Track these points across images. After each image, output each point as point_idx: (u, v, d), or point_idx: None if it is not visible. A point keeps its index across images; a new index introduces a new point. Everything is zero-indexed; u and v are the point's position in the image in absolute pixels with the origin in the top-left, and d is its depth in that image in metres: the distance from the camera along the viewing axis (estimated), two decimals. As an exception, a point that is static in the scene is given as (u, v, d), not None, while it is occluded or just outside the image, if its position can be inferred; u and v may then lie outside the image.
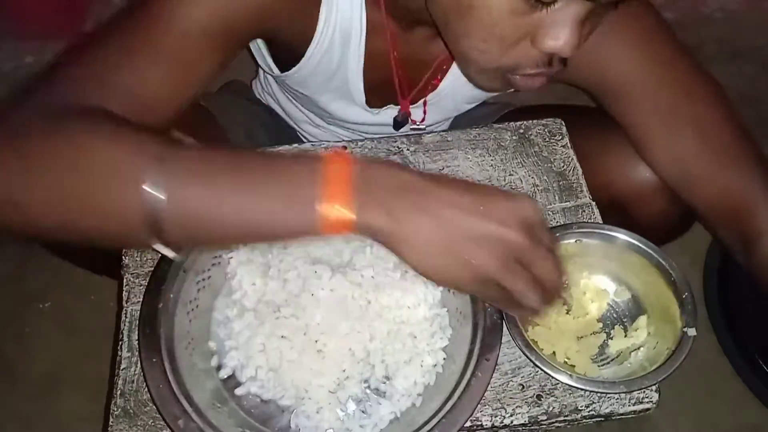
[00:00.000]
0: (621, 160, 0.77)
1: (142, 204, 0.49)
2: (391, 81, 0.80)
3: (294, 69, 0.79)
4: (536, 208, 0.53)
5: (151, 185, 0.48)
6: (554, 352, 0.65)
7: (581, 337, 0.66)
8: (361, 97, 0.83)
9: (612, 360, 0.65)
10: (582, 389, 0.60)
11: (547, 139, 0.79)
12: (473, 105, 0.93)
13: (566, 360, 0.65)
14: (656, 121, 0.73)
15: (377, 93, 0.83)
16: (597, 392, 0.61)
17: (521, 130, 0.80)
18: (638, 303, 0.68)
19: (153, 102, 0.61)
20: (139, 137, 0.51)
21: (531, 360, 0.61)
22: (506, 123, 0.81)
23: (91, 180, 0.50)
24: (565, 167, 0.77)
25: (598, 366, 0.65)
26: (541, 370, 0.60)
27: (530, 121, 0.81)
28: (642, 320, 0.66)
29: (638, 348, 0.65)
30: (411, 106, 0.86)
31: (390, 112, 0.88)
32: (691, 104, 0.73)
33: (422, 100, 0.86)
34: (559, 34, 0.57)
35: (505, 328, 0.62)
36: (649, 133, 0.75)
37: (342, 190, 0.49)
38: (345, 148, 0.77)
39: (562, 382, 0.60)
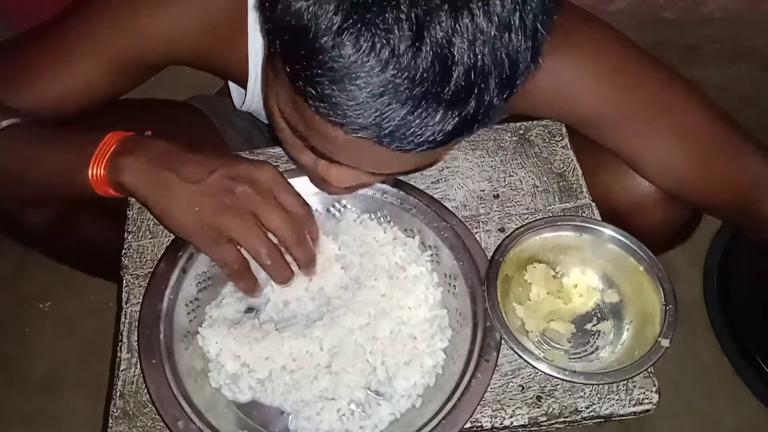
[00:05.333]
0: (619, 171, 0.77)
1: None
2: None
3: (244, 104, 0.81)
4: (274, 172, 0.62)
5: None
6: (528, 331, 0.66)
7: (552, 320, 0.67)
8: None
9: (582, 356, 0.66)
10: (560, 378, 0.61)
11: (547, 140, 0.79)
12: None
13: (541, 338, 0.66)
14: (638, 143, 0.73)
15: None
16: (569, 381, 0.62)
17: (521, 131, 0.80)
18: (622, 307, 0.68)
19: (54, 104, 0.71)
20: None
21: (510, 346, 0.62)
22: (506, 124, 0.81)
23: None
24: (564, 168, 0.77)
25: (569, 358, 0.65)
26: (518, 354, 0.61)
27: (530, 122, 0.80)
28: (607, 325, 0.67)
29: (606, 347, 0.66)
30: None
31: None
32: (669, 115, 0.72)
33: None
34: (329, 169, 0.60)
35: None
36: (636, 155, 0.75)
37: (104, 156, 0.62)
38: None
39: (541, 370, 0.61)
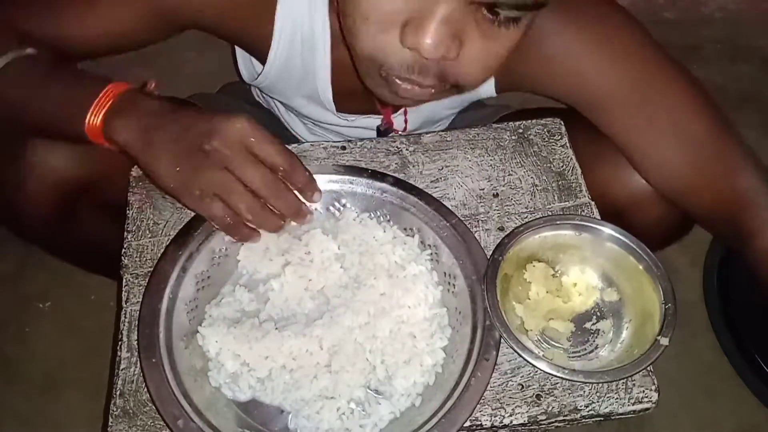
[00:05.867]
0: (617, 167, 0.77)
1: None
2: (364, 90, 0.80)
3: (261, 76, 0.81)
4: (246, 124, 0.61)
5: None
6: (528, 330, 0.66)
7: (552, 319, 0.67)
8: (331, 105, 0.84)
9: (581, 355, 0.66)
10: (559, 377, 0.61)
11: (546, 139, 0.79)
12: (453, 110, 0.93)
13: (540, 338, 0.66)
14: (636, 133, 0.74)
15: (350, 100, 0.83)
16: (569, 380, 0.62)
17: (520, 130, 0.80)
18: (622, 306, 0.68)
19: (72, 43, 0.73)
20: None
21: (510, 345, 0.62)
22: (505, 123, 0.81)
23: None
24: (564, 167, 0.77)
25: (568, 357, 0.65)
26: (518, 354, 0.61)
27: (529, 121, 0.81)
28: (607, 323, 0.67)
29: (606, 345, 0.66)
30: (392, 116, 0.86)
31: (367, 121, 0.88)
32: (670, 112, 0.72)
33: (403, 109, 0.86)
34: (421, 30, 0.58)
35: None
36: (631, 144, 0.75)
37: (103, 107, 0.63)
38: (344, 148, 0.77)
39: (540, 369, 0.61)
